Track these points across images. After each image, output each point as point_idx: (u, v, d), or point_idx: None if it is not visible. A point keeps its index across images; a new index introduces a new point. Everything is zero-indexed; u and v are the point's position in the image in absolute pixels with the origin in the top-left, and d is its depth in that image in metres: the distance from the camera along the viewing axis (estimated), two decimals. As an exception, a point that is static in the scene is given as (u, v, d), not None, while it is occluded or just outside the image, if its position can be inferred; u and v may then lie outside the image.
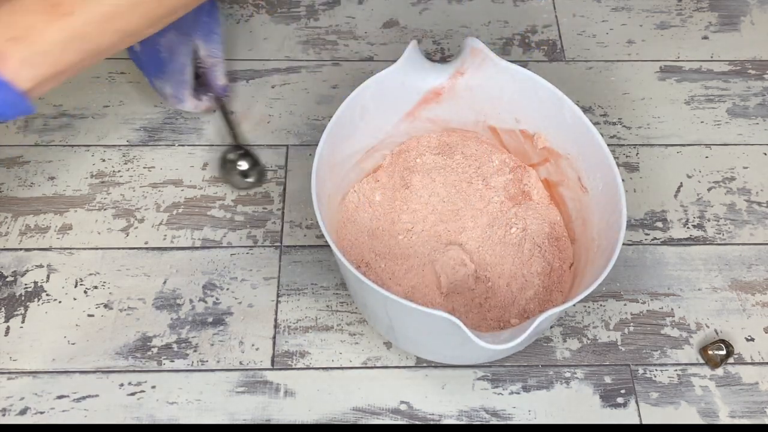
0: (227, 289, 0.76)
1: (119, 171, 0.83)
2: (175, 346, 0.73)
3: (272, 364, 0.72)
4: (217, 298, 0.76)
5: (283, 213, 0.81)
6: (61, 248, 0.78)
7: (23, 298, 0.75)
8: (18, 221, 0.79)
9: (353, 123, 0.73)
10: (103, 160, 0.84)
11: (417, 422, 0.70)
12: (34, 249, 0.78)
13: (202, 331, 0.74)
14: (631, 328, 0.75)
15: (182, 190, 0.82)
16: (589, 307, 0.76)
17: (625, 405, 0.71)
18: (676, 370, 0.73)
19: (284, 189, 0.82)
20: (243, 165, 0.81)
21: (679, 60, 0.94)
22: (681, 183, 0.85)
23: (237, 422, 0.69)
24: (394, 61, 0.73)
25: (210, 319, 0.74)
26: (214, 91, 0.84)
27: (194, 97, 0.83)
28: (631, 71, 0.93)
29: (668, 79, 0.92)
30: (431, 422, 0.70)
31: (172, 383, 0.71)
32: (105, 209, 0.80)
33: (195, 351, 0.73)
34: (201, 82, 0.83)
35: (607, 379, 0.73)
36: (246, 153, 0.82)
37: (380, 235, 0.76)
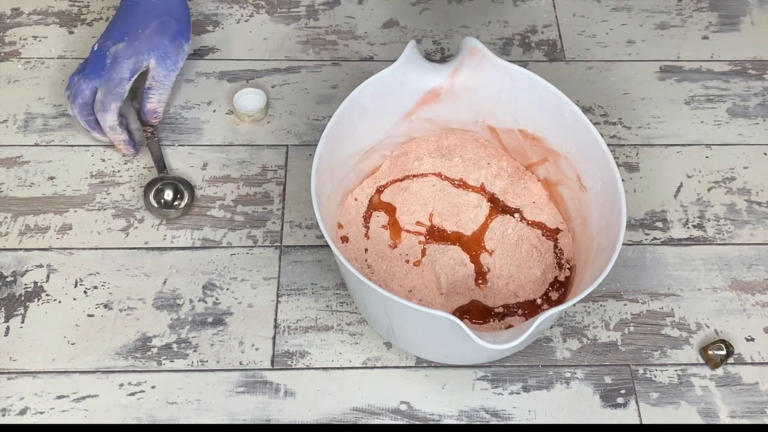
0: (227, 289, 0.76)
1: (119, 171, 0.83)
2: (174, 346, 0.73)
3: (272, 364, 0.72)
4: (216, 298, 0.76)
5: (283, 213, 0.81)
6: (60, 248, 0.78)
7: (23, 298, 0.75)
8: (18, 221, 0.79)
9: (353, 123, 0.73)
10: (103, 160, 0.84)
11: (417, 422, 0.70)
12: (34, 249, 0.77)
13: (201, 331, 0.74)
14: (631, 328, 0.75)
15: (182, 190, 0.82)
16: (589, 307, 0.76)
17: (625, 405, 0.71)
18: (676, 370, 0.73)
19: (284, 189, 0.82)
20: (168, 195, 0.79)
21: (679, 60, 0.94)
22: (681, 183, 0.84)
23: (237, 422, 0.69)
24: (394, 61, 0.73)
25: (210, 319, 0.74)
26: (141, 111, 0.83)
27: (118, 117, 0.80)
28: (631, 71, 0.93)
29: (668, 79, 0.92)
30: (431, 422, 0.70)
31: (172, 383, 0.71)
32: (105, 209, 0.80)
33: (195, 351, 0.73)
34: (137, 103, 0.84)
35: (607, 379, 0.72)
36: (170, 183, 0.80)
37: (380, 236, 0.76)
